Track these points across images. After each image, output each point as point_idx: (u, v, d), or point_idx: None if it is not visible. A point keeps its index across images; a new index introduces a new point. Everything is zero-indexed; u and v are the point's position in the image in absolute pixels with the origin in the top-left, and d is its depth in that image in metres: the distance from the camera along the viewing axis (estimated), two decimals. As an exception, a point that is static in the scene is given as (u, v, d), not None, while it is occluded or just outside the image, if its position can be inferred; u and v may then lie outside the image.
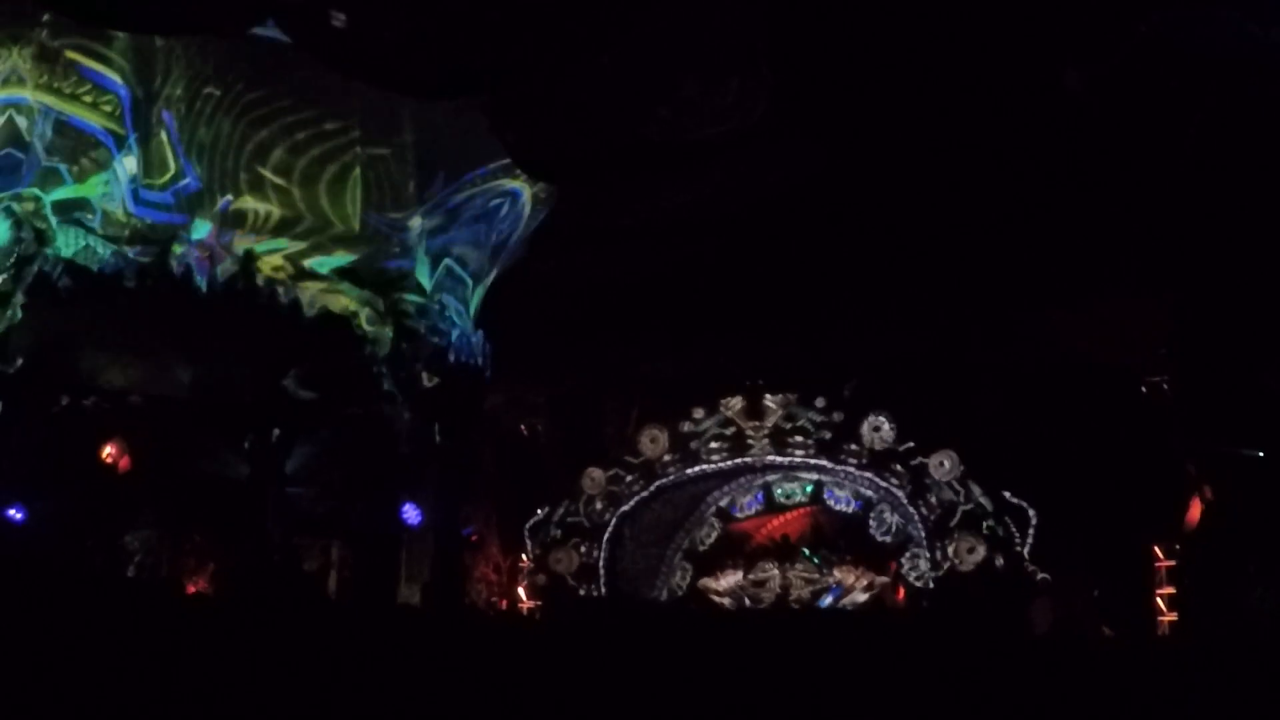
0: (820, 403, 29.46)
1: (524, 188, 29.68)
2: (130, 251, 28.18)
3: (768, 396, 29.72)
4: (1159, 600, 27.53)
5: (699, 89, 25.39)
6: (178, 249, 28.41)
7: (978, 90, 24.72)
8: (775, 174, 27.30)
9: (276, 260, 29.11)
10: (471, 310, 30.50)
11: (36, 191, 27.49)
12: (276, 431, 29.61)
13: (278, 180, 28.70)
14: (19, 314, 27.24)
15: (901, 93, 25.09)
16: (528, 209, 29.85)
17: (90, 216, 28.00)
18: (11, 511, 27.44)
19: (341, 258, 29.58)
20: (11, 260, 27.25)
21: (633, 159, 26.79)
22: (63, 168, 27.91)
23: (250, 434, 29.55)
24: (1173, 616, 27.22)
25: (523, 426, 34.30)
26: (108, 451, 28.76)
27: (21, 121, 27.81)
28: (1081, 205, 26.68)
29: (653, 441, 30.30)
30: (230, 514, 29.08)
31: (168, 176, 28.41)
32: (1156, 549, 27.83)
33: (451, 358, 29.67)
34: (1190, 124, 24.18)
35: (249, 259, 28.64)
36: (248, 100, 28.21)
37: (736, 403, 29.94)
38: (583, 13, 23.95)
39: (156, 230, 28.37)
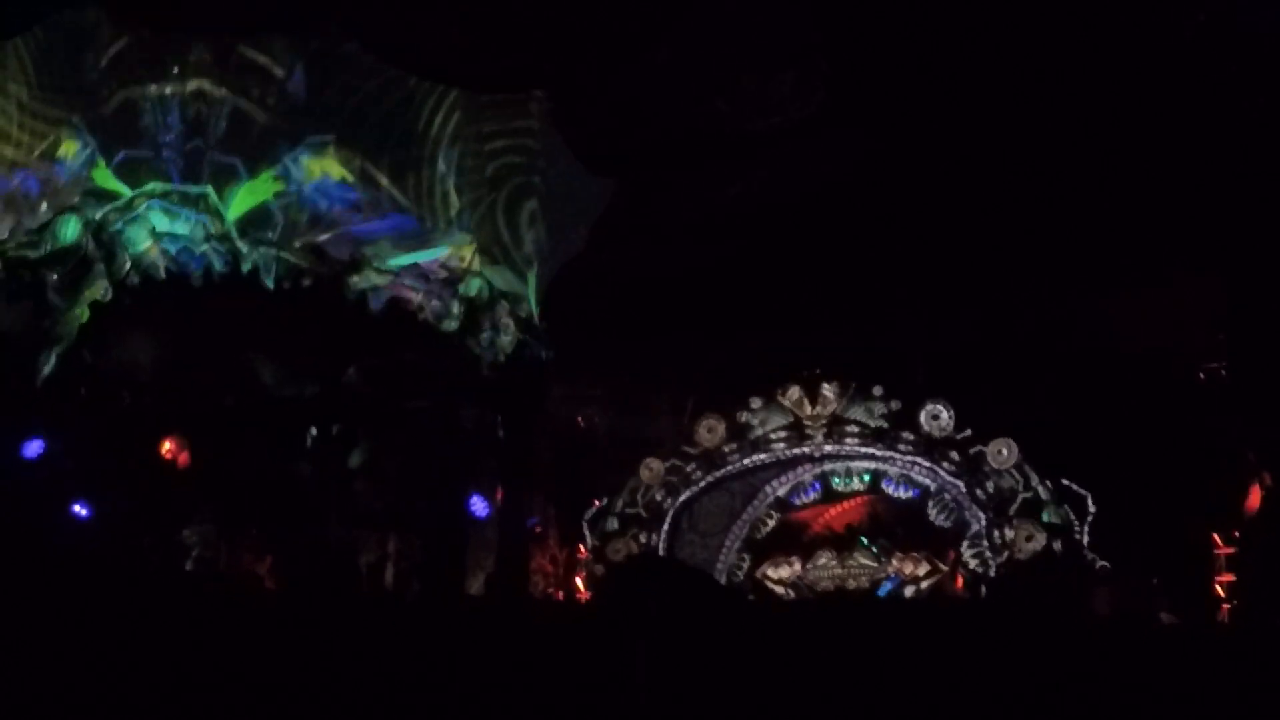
0: (878, 391, 29.43)
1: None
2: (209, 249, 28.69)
3: (825, 386, 29.67)
4: (1219, 588, 27.39)
5: (756, 80, 25.45)
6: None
7: (1031, 79, 24.72)
8: (829, 165, 27.32)
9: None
10: (534, 302, 30.73)
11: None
12: (337, 427, 29.77)
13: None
14: None
15: (953, 82, 25.09)
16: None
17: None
18: (74, 508, 27.67)
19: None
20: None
21: (690, 151, 26.88)
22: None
23: (312, 429, 29.71)
24: (1233, 604, 27.07)
25: (580, 418, 34.35)
26: (167, 447, 28.95)
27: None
28: (1134, 191, 26.62)
29: (710, 431, 30.31)
30: (288, 509, 29.22)
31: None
32: (1216, 536, 27.69)
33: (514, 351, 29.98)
34: (1247, 106, 24.13)
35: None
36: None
37: (794, 393, 29.90)
38: (640, 6, 24.07)
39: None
